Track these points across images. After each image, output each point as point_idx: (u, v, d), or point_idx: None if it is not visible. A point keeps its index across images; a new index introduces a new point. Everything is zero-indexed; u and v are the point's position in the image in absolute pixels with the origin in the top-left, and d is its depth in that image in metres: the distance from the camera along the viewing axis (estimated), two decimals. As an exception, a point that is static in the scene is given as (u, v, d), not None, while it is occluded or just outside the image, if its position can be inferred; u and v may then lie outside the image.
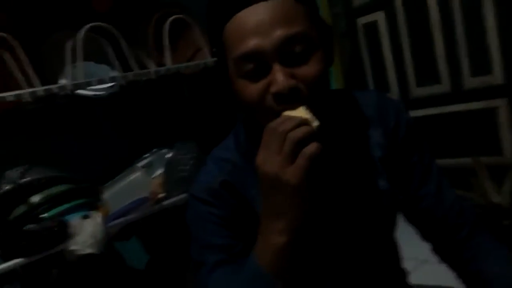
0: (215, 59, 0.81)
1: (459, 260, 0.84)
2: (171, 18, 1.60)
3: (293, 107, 0.67)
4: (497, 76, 2.07)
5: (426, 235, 0.88)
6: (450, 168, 2.21)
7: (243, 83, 0.70)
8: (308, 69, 0.69)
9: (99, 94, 1.58)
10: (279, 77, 0.67)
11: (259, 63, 0.68)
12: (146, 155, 1.80)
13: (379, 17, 2.43)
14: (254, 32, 0.67)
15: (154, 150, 1.86)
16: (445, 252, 0.87)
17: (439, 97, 2.29)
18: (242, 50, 0.68)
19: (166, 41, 1.60)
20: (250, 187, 0.79)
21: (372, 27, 2.48)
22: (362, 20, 2.52)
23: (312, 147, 0.63)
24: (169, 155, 1.76)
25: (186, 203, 0.87)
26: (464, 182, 1.37)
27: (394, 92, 2.47)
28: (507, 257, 0.82)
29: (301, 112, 0.66)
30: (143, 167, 1.75)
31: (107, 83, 1.51)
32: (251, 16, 0.68)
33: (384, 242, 0.88)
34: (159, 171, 1.76)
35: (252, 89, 0.69)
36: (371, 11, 2.46)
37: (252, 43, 0.67)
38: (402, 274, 0.94)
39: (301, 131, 0.63)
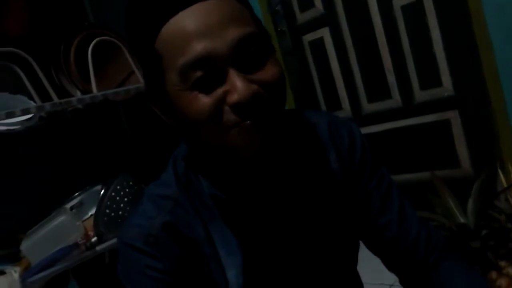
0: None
1: None
2: (95, 41, 1.43)
3: (255, 118, 0.57)
4: (446, 88, 2.02)
5: (391, 266, 0.79)
6: (408, 185, 2.14)
7: (191, 96, 0.56)
8: (267, 73, 0.58)
9: (14, 129, 1.38)
10: (239, 84, 0.55)
11: (209, 70, 0.55)
12: (76, 194, 1.60)
13: (325, 33, 2.36)
14: (202, 34, 0.55)
15: (86, 187, 1.67)
16: (414, 282, 0.78)
17: (391, 112, 2.22)
18: (189, 56, 0.55)
19: (90, 66, 1.43)
20: (197, 225, 0.66)
21: (318, 44, 2.40)
22: (308, 38, 2.44)
23: None
24: (102, 192, 1.57)
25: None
26: (425, 202, 1.25)
27: (346, 109, 2.39)
28: (480, 284, 0.75)
29: None
30: (72, 208, 1.55)
31: (19, 116, 1.31)
32: (194, 16, 0.55)
33: (346, 271, 0.80)
34: (92, 211, 1.56)
35: (204, 101, 0.56)
36: (316, 28, 2.38)
37: (201, 46, 0.54)
38: None
39: None
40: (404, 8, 2.05)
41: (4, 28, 1.56)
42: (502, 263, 0.81)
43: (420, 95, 2.11)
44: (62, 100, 1.39)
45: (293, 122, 0.76)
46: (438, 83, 2.03)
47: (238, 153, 0.59)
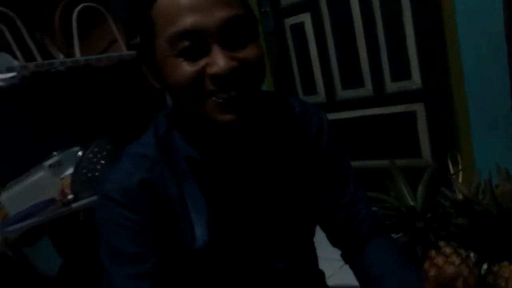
0: (131, 52, 0.72)
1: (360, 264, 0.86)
2: (80, 6, 1.48)
3: (232, 91, 0.64)
4: (415, 81, 2.13)
5: (335, 242, 0.90)
6: (370, 169, 2.27)
7: (176, 62, 0.64)
8: (248, 53, 0.65)
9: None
10: (220, 59, 0.62)
11: (196, 42, 0.63)
12: (55, 153, 1.66)
13: (306, 18, 2.43)
14: (194, 9, 0.62)
15: (65, 148, 1.72)
16: (352, 256, 0.88)
17: (362, 100, 2.33)
18: (179, 26, 0.62)
19: (74, 31, 1.47)
20: (171, 185, 0.73)
21: (299, 28, 2.47)
22: (290, 21, 2.50)
23: None
24: (81, 153, 1.63)
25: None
26: (381, 184, 1.36)
27: (321, 94, 2.48)
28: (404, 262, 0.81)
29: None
30: (50, 166, 1.61)
31: (3, 73, 1.35)
32: None
33: (303, 245, 0.88)
34: (69, 171, 1.62)
35: (188, 69, 0.63)
36: (298, 12, 2.45)
37: (191, 20, 0.62)
38: (320, 275, 0.94)
39: None
40: (382, 1, 2.14)
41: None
42: (441, 243, 0.89)
43: (391, 86, 2.22)
44: (46, 62, 1.44)
45: (270, 101, 0.83)
46: (408, 76, 2.14)
47: (213, 122, 0.66)
